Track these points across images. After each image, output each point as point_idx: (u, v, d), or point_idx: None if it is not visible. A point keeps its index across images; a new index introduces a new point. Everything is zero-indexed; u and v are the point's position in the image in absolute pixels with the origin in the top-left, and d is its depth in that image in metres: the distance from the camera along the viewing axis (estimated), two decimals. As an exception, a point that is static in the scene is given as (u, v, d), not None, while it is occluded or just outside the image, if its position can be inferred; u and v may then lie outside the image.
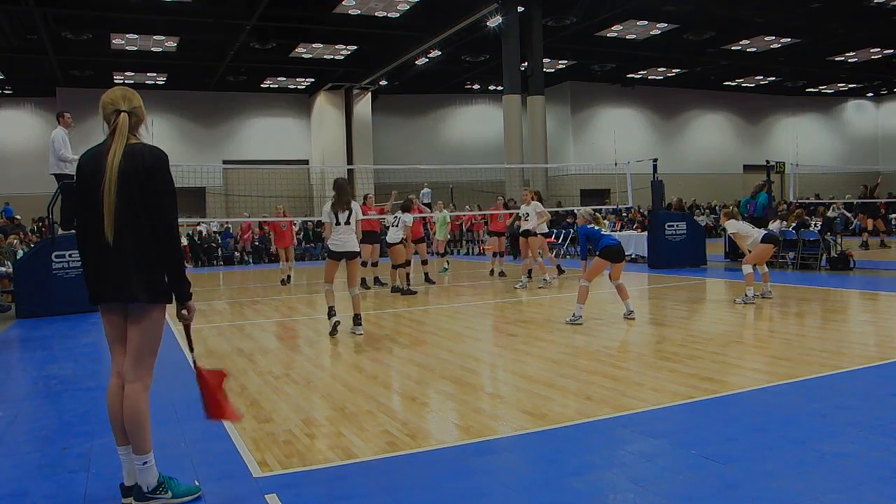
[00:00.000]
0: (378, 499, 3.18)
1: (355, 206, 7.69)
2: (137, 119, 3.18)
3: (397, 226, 11.70)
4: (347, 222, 7.55)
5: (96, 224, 3.04)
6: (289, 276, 14.45)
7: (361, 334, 7.48)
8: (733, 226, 9.29)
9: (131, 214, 3.04)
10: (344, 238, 7.56)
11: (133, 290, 3.06)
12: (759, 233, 9.15)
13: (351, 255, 7.60)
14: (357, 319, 7.63)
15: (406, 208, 11.90)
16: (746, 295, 8.77)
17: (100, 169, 3.03)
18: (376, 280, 12.87)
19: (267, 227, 23.36)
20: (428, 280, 13.01)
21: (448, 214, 16.47)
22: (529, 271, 11.95)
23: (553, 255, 13.82)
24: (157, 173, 3.08)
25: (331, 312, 7.70)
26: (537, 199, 12.02)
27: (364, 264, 12.65)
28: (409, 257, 12.33)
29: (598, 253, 7.90)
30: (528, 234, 11.64)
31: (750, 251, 9.09)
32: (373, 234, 12.67)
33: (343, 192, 7.58)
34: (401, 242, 11.58)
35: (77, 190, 3.18)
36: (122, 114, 3.11)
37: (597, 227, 8.03)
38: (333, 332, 7.57)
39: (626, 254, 17.17)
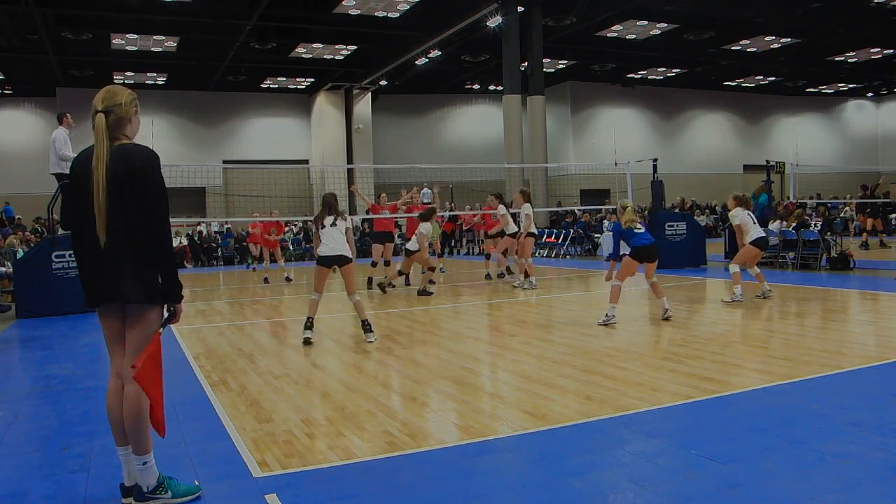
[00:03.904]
0: (378, 499, 3.18)
1: (343, 221, 7.16)
2: (116, 117, 3.09)
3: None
4: (334, 224, 7.05)
5: (89, 226, 3.03)
6: (287, 277, 14.72)
7: (373, 341, 7.06)
8: (739, 215, 9.10)
9: (124, 215, 3.02)
10: (334, 241, 7.02)
11: (128, 291, 3.05)
12: (756, 232, 9.07)
13: (343, 261, 7.02)
14: (366, 326, 7.17)
15: (426, 218, 11.57)
16: (734, 293, 8.77)
17: (90, 171, 3.02)
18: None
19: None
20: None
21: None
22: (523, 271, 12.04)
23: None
24: (147, 173, 3.05)
25: (308, 324, 7.18)
26: (526, 199, 12.01)
27: (374, 264, 12.68)
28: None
29: (629, 252, 7.63)
30: (528, 234, 11.72)
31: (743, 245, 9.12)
32: (386, 234, 12.70)
33: (328, 204, 7.17)
34: (418, 251, 11.40)
35: (71, 193, 3.17)
36: (98, 114, 3.07)
37: (629, 225, 7.62)
38: (306, 343, 7.09)
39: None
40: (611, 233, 8.09)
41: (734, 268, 8.95)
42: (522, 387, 5.09)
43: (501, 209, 11.80)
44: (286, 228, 21.71)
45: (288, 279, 14.64)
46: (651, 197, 15.15)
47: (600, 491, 3.18)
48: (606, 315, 7.63)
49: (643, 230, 7.66)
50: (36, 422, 4.79)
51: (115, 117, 3.10)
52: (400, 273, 11.62)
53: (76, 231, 3.15)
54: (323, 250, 7.08)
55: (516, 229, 12.05)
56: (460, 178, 24.59)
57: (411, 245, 11.50)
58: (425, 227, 11.51)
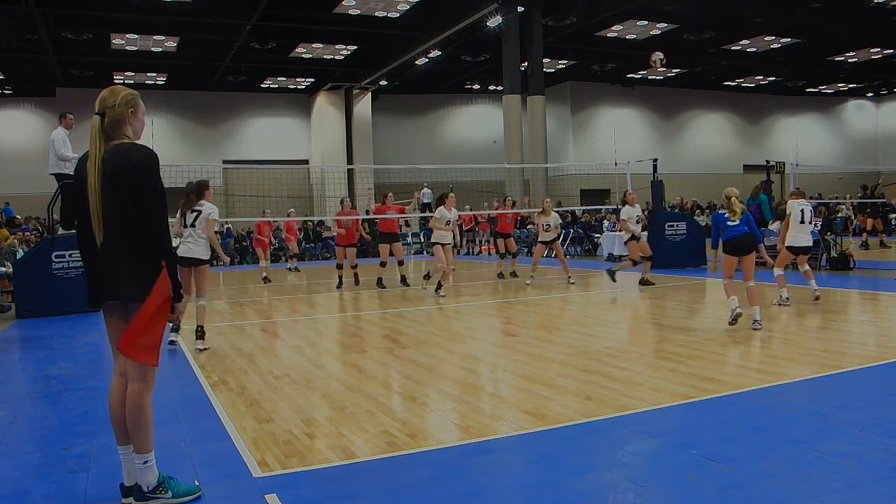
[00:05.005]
0: (378, 499, 3.18)
1: (209, 208, 6.98)
2: (111, 118, 3.11)
3: (548, 228, 12.17)
4: (193, 224, 6.87)
5: (90, 226, 3.06)
6: (265, 276, 14.90)
7: (203, 349, 6.86)
8: (793, 208, 8.61)
9: (121, 215, 3.04)
10: (189, 242, 6.90)
11: (126, 290, 3.05)
12: (798, 240, 8.64)
13: (196, 263, 6.90)
14: (199, 332, 6.95)
15: (629, 202, 11.66)
16: (781, 297, 8.54)
17: (87, 172, 3.06)
18: (403, 279, 12.87)
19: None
20: (403, 282, 12.91)
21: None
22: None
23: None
24: (143, 172, 3.06)
25: (174, 327, 7.07)
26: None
27: (383, 265, 12.70)
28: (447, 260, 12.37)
29: (722, 247, 7.33)
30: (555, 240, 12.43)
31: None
32: (391, 235, 12.79)
33: (190, 192, 7.01)
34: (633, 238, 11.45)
35: (74, 193, 3.19)
36: (94, 116, 3.10)
37: (725, 214, 7.24)
38: (170, 343, 6.96)
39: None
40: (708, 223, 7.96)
41: (777, 271, 8.65)
42: (522, 387, 5.09)
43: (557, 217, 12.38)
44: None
45: (266, 279, 14.78)
46: (651, 197, 15.15)
47: (600, 491, 3.18)
48: (731, 310, 7.11)
49: (738, 222, 7.19)
50: (36, 422, 4.80)
51: (110, 119, 3.12)
52: (633, 262, 11.55)
53: (80, 231, 3.18)
54: (180, 251, 6.91)
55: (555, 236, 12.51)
56: (460, 178, 24.59)
57: (625, 234, 11.62)
58: (626, 213, 11.38)
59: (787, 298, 8.59)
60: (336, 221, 13.16)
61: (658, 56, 14.57)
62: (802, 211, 8.66)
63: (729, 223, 7.22)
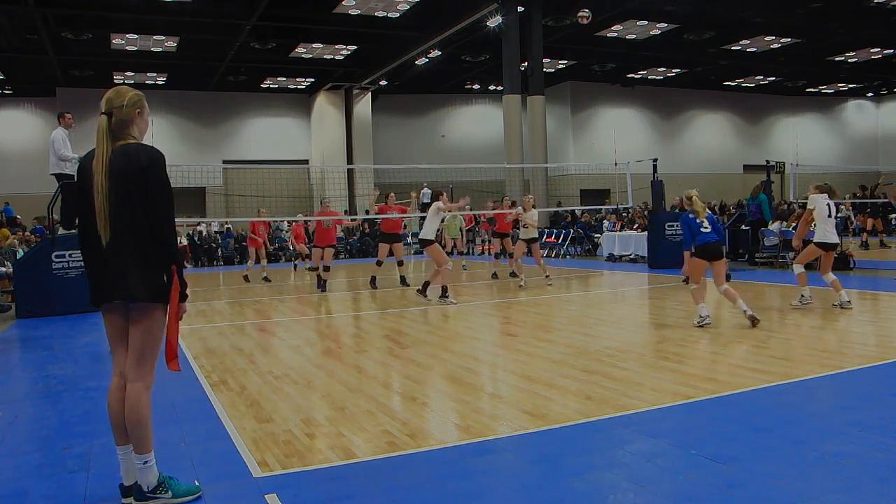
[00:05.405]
0: (378, 499, 3.18)
1: None
2: (118, 119, 3.12)
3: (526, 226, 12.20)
4: None
5: (94, 226, 3.06)
6: (265, 276, 14.97)
7: None
8: (818, 202, 8.12)
9: (128, 214, 3.04)
10: None
11: (131, 290, 3.06)
12: (826, 236, 8.15)
13: None
14: None
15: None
16: (802, 296, 8.32)
17: (93, 172, 3.07)
18: (402, 279, 12.94)
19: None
20: (404, 283, 12.88)
21: (459, 215, 16.56)
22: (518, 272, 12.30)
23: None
24: (152, 172, 3.07)
25: None
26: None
27: (379, 263, 12.73)
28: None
29: (693, 250, 7.35)
30: (535, 239, 12.28)
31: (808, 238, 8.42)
32: (393, 235, 12.84)
33: None
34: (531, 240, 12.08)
35: (77, 192, 3.20)
36: (101, 117, 3.11)
37: (693, 216, 7.32)
38: None
39: (626, 253, 17.29)
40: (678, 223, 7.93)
41: (798, 269, 8.38)
42: (522, 387, 5.09)
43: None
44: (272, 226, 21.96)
45: (253, 278, 14.95)
46: (651, 197, 15.15)
47: (600, 491, 3.18)
48: (700, 316, 7.24)
49: (710, 228, 7.31)
50: (36, 422, 4.79)
51: (116, 119, 3.13)
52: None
53: (82, 231, 3.18)
54: None
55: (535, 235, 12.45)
56: (460, 178, 24.59)
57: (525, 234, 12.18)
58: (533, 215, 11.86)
59: (810, 296, 8.30)
60: (317, 222, 13.03)
61: (585, 13, 14.97)
62: (829, 205, 8.24)
63: (702, 229, 7.35)
